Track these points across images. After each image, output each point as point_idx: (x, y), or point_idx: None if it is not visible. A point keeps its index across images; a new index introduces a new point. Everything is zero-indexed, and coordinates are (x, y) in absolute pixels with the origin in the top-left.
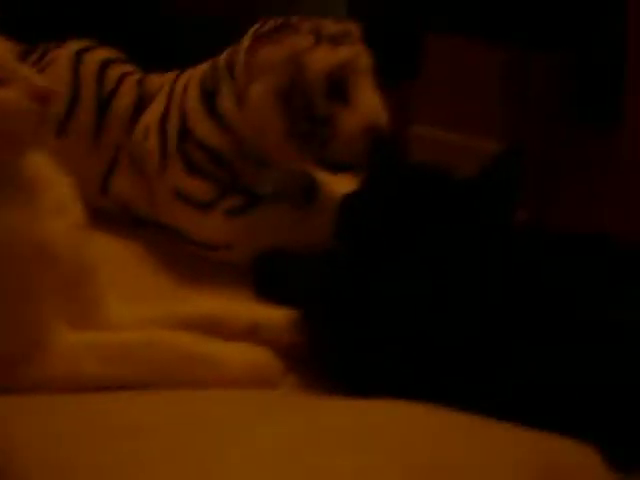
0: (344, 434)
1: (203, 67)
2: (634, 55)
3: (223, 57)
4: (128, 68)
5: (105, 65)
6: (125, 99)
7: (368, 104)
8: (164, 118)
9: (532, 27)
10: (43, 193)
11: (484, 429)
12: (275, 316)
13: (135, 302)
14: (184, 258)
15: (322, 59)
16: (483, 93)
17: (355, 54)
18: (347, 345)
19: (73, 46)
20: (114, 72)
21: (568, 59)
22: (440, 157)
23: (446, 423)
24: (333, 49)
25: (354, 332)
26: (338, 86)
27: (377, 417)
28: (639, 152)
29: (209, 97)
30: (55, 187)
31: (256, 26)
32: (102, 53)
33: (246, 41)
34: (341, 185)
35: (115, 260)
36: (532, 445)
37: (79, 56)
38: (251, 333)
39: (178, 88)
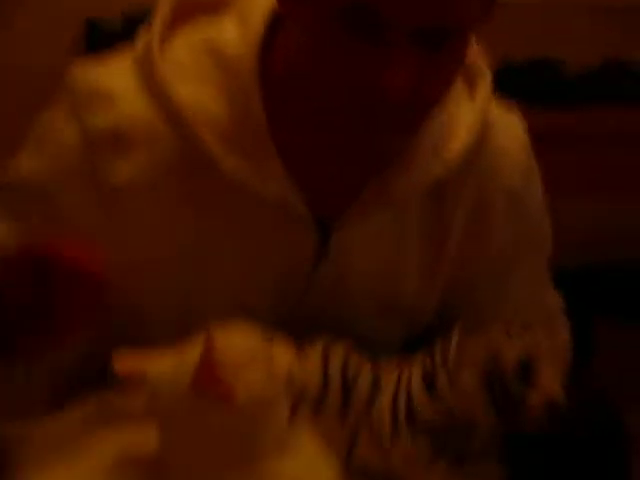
0: None
1: (422, 359)
2: None
3: (438, 352)
4: (363, 358)
5: (347, 355)
6: (364, 383)
7: (549, 386)
8: (395, 397)
9: None
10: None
11: None
12: None
13: None
14: None
15: (513, 352)
16: None
17: (537, 346)
18: None
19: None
20: (353, 361)
21: None
22: None
23: None
24: (521, 343)
25: None
26: (526, 371)
27: None
28: None
29: (429, 382)
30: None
31: (460, 326)
32: (344, 346)
33: (455, 339)
34: None
35: None
36: None
37: (327, 349)
38: None
39: (404, 374)
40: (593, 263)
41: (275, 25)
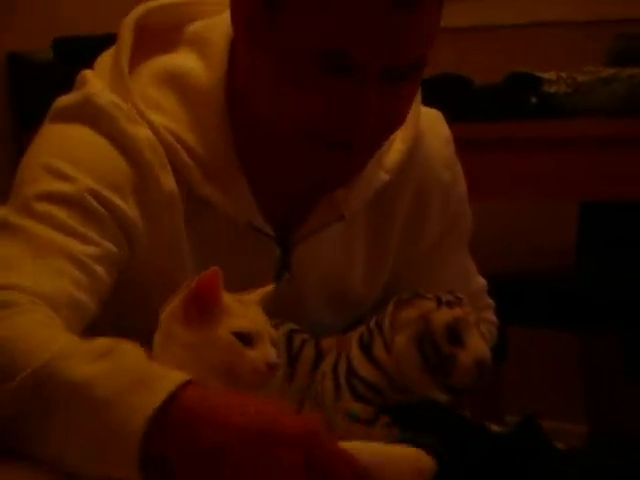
0: None
1: (360, 330)
2: None
3: (373, 320)
4: (306, 336)
5: (291, 333)
6: (307, 356)
7: (477, 346)
8: (335, 365)
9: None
10: None
11: None
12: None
13: None
14: None
15: (442, 316)
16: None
17: (465, 312)
18: None
19: None
20: (297, 338)
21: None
22: None
23: None
24: (450, 309)
25: None
26: (455, 334)
27: None
28: None
29: (366, 348)
30: None
31: (395, 297)
32: (288, 326)
33: (390, 307)
34: None
35: None
36: None
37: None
38: None
39: (344, 345)
40: (501, 273)
41: (234, 55)
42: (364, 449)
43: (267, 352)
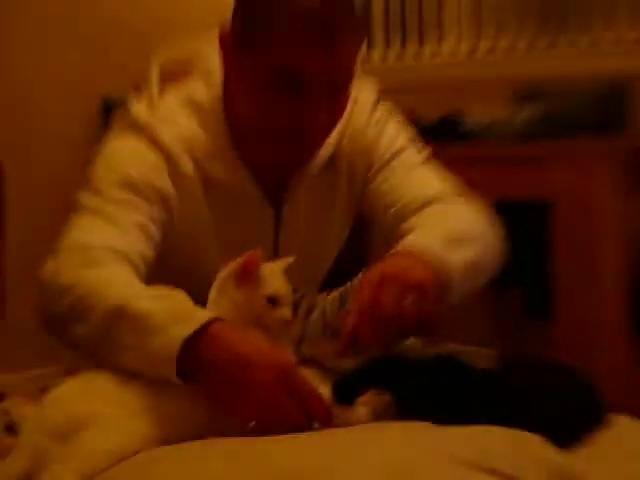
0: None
1: (343, 286)
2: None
3: (352, 281)
4: (298, 295)
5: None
6: (305, 303)
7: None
8: (324, 312)
9: None
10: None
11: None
12: None
13: None
14: None
15: None
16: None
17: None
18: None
19: None
20: (299, 293)
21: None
22: None
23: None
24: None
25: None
26: None
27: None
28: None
29: (342, 299)
30: None
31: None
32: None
33: (360, 274)
34: None
35: None
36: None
37: None
38: None
39: (330, 297)
40: None
41: (228, 79)
42: None
43: (286, 312)
